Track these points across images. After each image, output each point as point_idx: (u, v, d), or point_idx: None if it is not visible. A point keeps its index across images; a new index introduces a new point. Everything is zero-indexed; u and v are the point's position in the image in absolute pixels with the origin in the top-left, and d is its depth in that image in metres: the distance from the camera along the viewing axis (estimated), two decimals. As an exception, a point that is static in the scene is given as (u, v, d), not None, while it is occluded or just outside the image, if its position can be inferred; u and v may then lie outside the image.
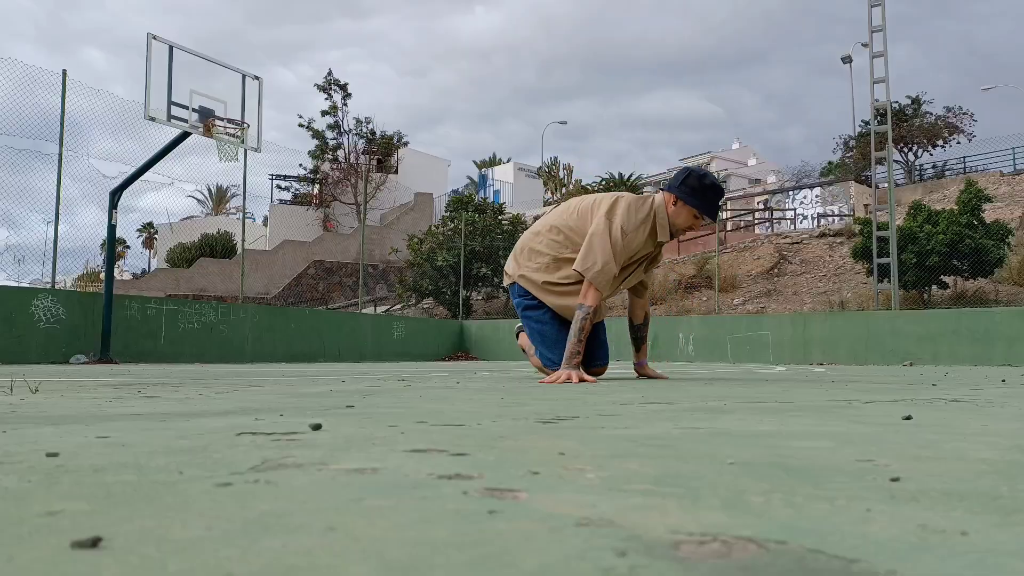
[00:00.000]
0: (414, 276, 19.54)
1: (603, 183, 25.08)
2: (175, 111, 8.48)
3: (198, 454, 0.94)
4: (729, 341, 12.34)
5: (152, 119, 8.28)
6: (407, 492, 0.69)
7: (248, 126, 9.38)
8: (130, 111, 10.76)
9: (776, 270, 18.27)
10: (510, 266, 4.03)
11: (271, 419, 1.46)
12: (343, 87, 29.18)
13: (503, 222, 20.29)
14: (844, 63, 31.80)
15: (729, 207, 29.98)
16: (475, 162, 47.37)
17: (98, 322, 8.94)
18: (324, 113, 29.15)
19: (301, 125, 29.25)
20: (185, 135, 8.74)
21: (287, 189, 32.09)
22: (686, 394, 2.46)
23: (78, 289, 16.63)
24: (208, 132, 8.87)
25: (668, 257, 22.52)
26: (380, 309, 22.95)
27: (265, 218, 35.13)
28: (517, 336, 4.32)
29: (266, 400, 2.07)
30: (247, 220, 17.80)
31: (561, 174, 36.12)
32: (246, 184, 13.87)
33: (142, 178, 9.09)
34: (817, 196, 26.84)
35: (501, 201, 25.85)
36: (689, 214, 3.68)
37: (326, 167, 30.06)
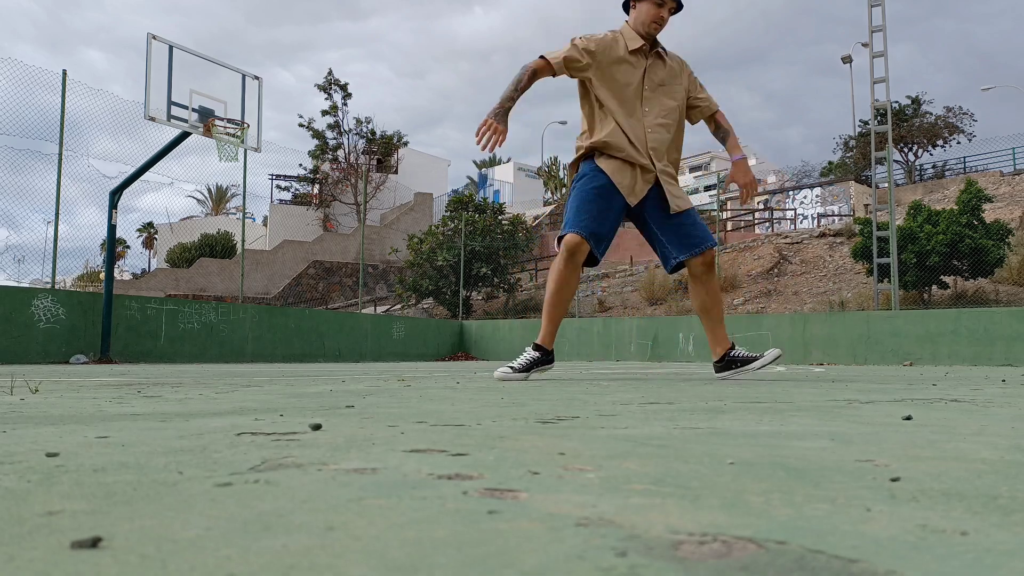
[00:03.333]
0: (414, 276, 19.54)
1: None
2: (175, 111, 8.48)
3: (198, 454, 0.94)
4: (729, 341, 12.33)
5: (152, 119, 8.28)
6: (407, 492, 0.69)
7: (248, 126, 9.38)
8: (130, 111, 10.77)
9: (776, 270, 18.27)
10: None
11: (271, 419, 1.46)
12: (343, 87, 29.18)
13: (503, 222, 20.30)
14: (844, 63, 31.80)
15: (729, 207, 29.98)
16: (475, 162, 47.36)
17: (98, 322, 8.94)
18: (324, 113, 29.15)
19: (301, 125, 29.26)
20: (185, 135, 8.74)
21: (287, 189, 32.10)
22: (686, 394, 2.46)
23: (78, 289, 16.63)
24: (208, 132, 8.87)
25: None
26: (380, 309, 22.95)
27: (265, 218, 35.14)
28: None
29: (266, 400, 2.07)
30: (247, 220, 17.81)
31: (561, 174, 36.13)
32: (246, 184, 13.88)
33: (142, 178, 9.09)
34: (817, 196, 26.85)
35: (501, 201, 25.85)
36: (647, 4, 3.59)
37: (326, 167, 30.06)
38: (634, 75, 3.67)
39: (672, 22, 3.79)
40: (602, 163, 3.67)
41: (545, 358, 3.74)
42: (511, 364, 3.74)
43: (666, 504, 0.64)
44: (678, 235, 3.69)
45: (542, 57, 3.64)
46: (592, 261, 3.69)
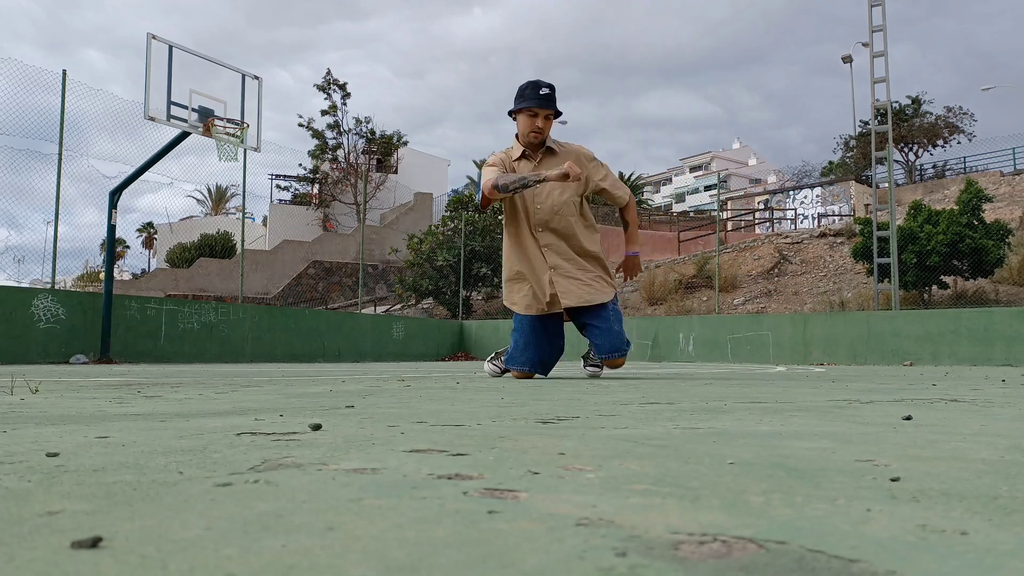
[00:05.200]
0: (414, 276, 19.54)
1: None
2: (175, 111, 8.48)
3: (198, 454, 0.94)
4: (729, 341, 12.34)
5: (152, 119, 8.28)
6: (407, 492, 0.69)
7: (248, 126, 9.37)
8: (130, 111, 10.76)
9: (776, 270, 18.27)
10: None
11: (271, 419, 1.46)
12: (342, 87, 29.17)
13: (503, 222, 20.27)
14: (844, 63, 31.80)
15: (729, 207, 29.99)
16: (475, 162, 47.35)
17: (98, 322, 8.94)
18: (324, 113, 29.15)
19: (301, 125, 29.25)
20: (185, 135, 8.74)
21: (287, 189, 32.10)
22: (686, 394, 2.46)
23: (78, 289, 16.63)
24: (208, 132, 8.87)
25: (668, 257, 22.51)
26: (380, 309, 22.95)
27: (265, 218, 35.14)
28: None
29: (266, 400, 2.07)
30: (247, 220, 17.80)
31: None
32: (246, 184, 13.87)
33: (142, 178, 9.09)
34: (817, 196, 26.84)
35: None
36: (522, 117, 3.87)
37: (326, 167, 30.05)
38: (521, 172, 3.94)
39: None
40: (512, 298, 4.12)
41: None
42: (495, 364, 4.27)
43: (666, 504, 0.64)
44: (590, 331, 4.06)
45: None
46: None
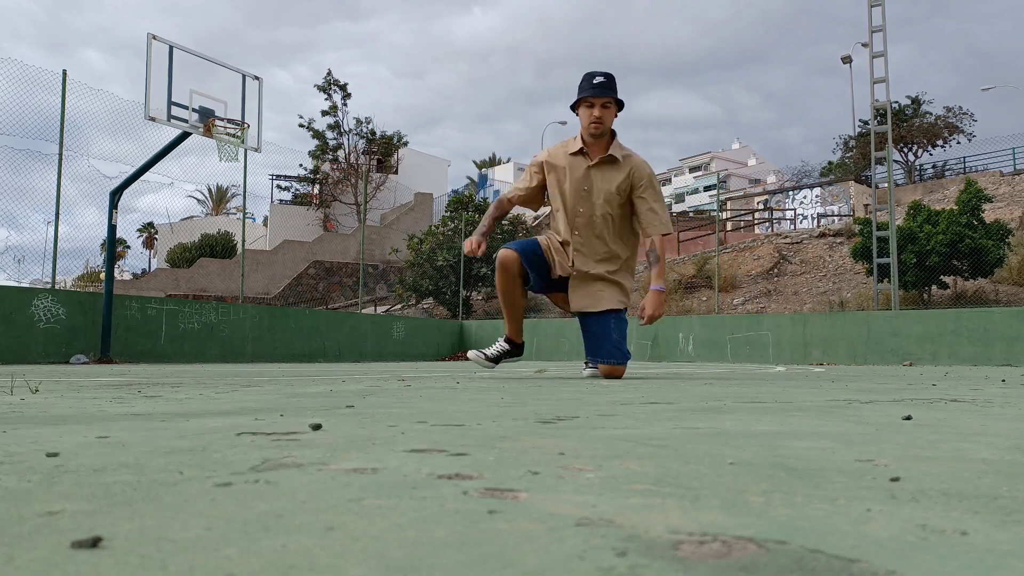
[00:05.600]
0: (414, 276, 19.54)
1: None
2: (175, 111, 8.48)
3: (198, 454, 0.94)
4: (729, 341, 12.34)
5: (152, 119, 8.28)
6: (407, 492, 0.69)
7: (248, 126, 9.37)
8: (130, 111, 10.78)
9: (776, 270, 18.27)
10: None
11: (271, 419, 1.46)
12: (343, 87, 29.18)
13: (503, 222, 20.29)
14: (844, 63, 31.80)
15: (729, 207, 29.98)
16: (475, 162, 47.40)
17: (98, 322, 8.94)
18: (324, 113, 29.15)
19: (301, 125, 29.28)
20: (185, 135, 8.74)
21: (287, 189, 32.11)
22: (686, 394, 2.46)
23: (78, 289, 16.63)
24: (208, 132, 8.87)
25: (668, 257, 22.49)
26: (380, 309, 22.95)
27: (265, 218, 35.15)
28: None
29: (266, 400, 2.07)
30: (247, 220, 17.80)
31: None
32: (246, 184, 13.88)
33: (142, 178, 9.09)
34: (817, 196, 26.84)
35: (501, 201, 25.79)
36: (582, 109, 3.85)
37: (326, 167, 30.06)
38: (574, 177, 3.93)
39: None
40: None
41: (515, 351, 4.21)
42: (484, 350, 4.23)
43: (666, 504, 0.64)
44: (587, 336, 4.06)
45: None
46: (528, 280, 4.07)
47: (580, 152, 3.90)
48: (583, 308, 3.95)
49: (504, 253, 3.96)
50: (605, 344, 3.91)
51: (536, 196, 4.12)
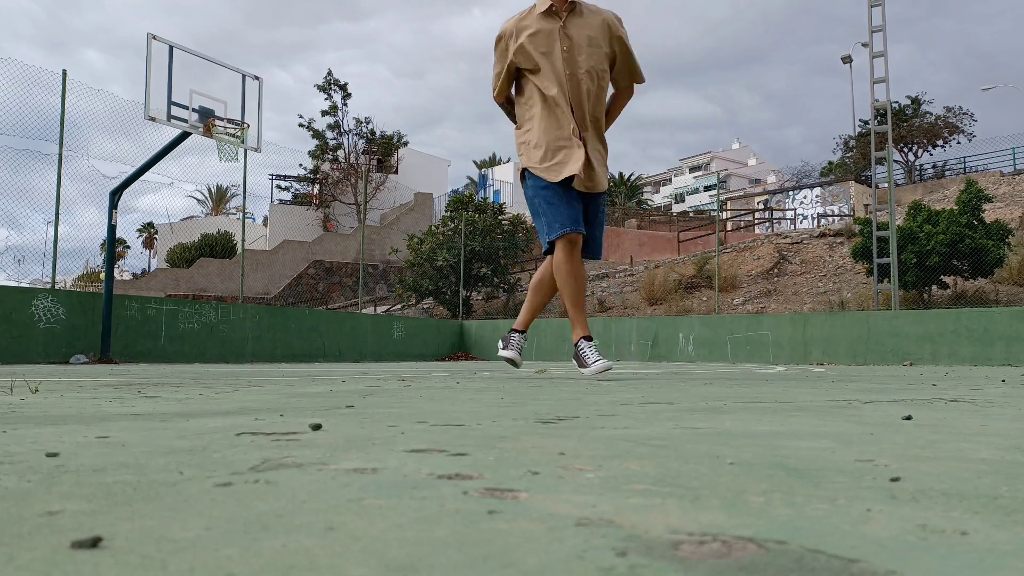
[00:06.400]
0: (414, 276, 19.54)
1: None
2: (175, 111, 8.48)
3: (198, 454, 0.94)
4: (729, 341, 12.34)
5: (152, 119, 8.28)
6: (407, 492, 0.69)
7: (248, 126, 9.37)
8: (130, 111, 10.78)
9: (776, 270, 18.27)
10: None
11: (271, 419, 1.46)
12: (343, 87, 29.18)
13: (503, 222, 20.29)
14: (844, 63, 31.80)
15: (729, 207, 29.99)
16: (475, 162, 47.40)
17: (98, 322, 8.94)
18: (324, 113, 29.15)
19: (301, 125, 29.27)
20: (185, 135, 8.74)
21: (287, 189, 32.11)
22: (686, 394, 2.46)
23: (78, 289, 16.63)
24: (208, 132, 8.87)
25: (668, 257, 22.51)
26: (380, 309, 22.95)
27: (265, 218, 35.16)
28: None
29: (266, 400, 2.07)
30: (247, 220, 17.81)
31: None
32: (246, 184, 13.88)
33: (142, 178, 9.09)
34: (817, 196, 26.85)
35: (501, 201, 25.82)
36: None
37: (326, 167, 30.06)
38: (551, 40, 3.64)
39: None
40: (544, 164, 3.68)
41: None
42: (513, 353, 4.06)
43: (666, 504, 0.64)
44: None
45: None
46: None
47: (549, 11, 3.66)
48: (597, 188, 3.73)
49: (569, 237, 3.63)
50: (599, 236, 3.83)
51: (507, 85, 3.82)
